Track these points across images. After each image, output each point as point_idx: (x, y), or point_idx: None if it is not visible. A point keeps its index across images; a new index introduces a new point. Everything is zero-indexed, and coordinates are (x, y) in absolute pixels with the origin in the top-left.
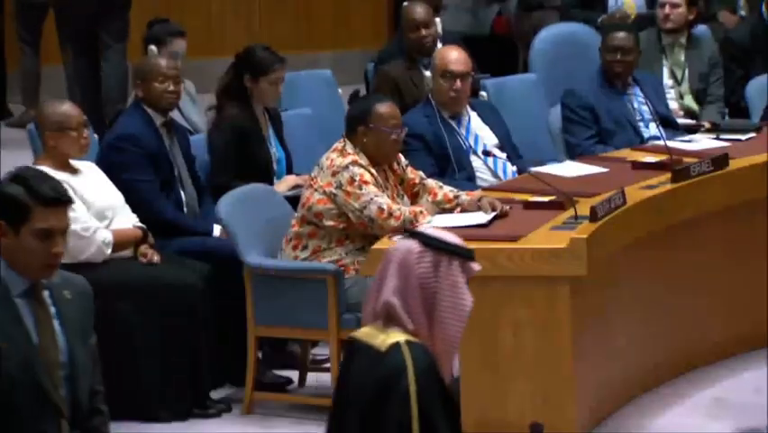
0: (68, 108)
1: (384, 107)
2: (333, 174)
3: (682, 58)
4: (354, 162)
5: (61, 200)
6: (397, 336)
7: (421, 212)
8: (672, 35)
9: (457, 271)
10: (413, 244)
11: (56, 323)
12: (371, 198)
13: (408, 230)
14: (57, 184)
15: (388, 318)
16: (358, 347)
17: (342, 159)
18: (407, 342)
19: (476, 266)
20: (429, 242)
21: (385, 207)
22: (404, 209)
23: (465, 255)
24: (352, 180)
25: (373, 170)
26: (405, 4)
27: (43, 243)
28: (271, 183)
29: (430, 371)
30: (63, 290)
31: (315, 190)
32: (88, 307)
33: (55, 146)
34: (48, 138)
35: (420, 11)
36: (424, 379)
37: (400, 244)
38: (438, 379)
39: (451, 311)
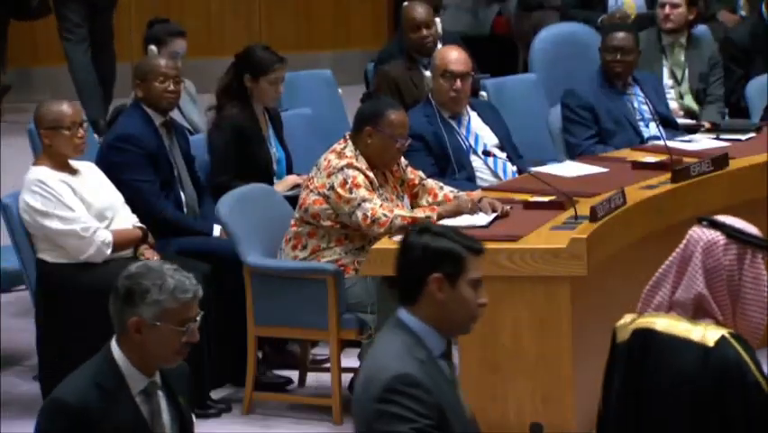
0: (64, 108)
1: (395, 115)
2: (329, 175)
3: (682, 58)
4: (349, 165)
5: (483, 250)
6: (717, 329)
7: (413, 218)
8: (672, 35)
9: (760, 264)
10: (717, 236)
11: None
12: (358, 204)
13: (708, 220)
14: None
15: (698, 310)
16: (662, 340)
17: (339, 160)
18: (731, 334)
19: None
20: (734, 234)
21: (369, 213)
22: (395, 214)
23: None
24: (344, 183)
25: (370, 173)
26: (405, 4)
27: (475, 292)
28: (271, 183)
29: (759, 362)
30: None
31: (311, 191)
32: None
33: (50, 145)
34: (43, 137)
35: (421, 11)
36: (761, 369)
37: (701, 234)
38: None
39: (754, 304)
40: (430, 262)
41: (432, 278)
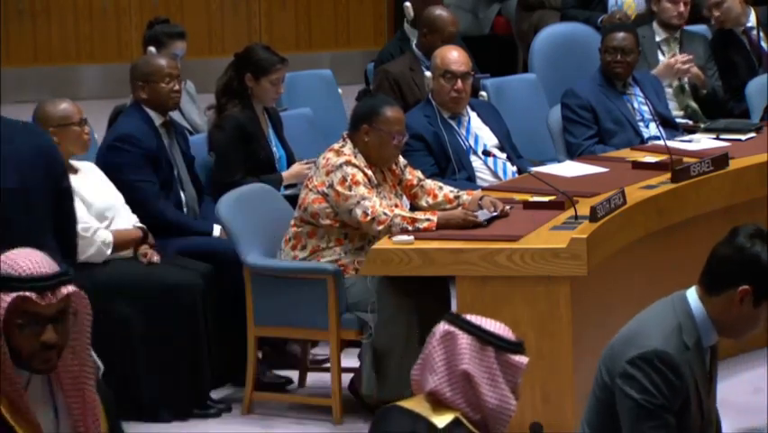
0: (68, 105)
1: (391, 111)
2: (327, 173)
3: (677, 52)
4: (348, 162)
5: None
6: None
7: (413, 219)
8: (668, 31)
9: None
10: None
11: None
12: (358, 201)
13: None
14: None
15: None
16: None
17: (337, 158)
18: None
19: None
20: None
21: (369, 211)
22: (395, 213)
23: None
24: (343, 180)
25: (369, 171)
26: (407, 4)
27: None
28: None
29: None
30: None
31: (311, 190)
32: None
33: (59, 142)
34: (51, 134)
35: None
36: None
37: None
38: None
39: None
40: (748, 272)
41: (742, 288)
